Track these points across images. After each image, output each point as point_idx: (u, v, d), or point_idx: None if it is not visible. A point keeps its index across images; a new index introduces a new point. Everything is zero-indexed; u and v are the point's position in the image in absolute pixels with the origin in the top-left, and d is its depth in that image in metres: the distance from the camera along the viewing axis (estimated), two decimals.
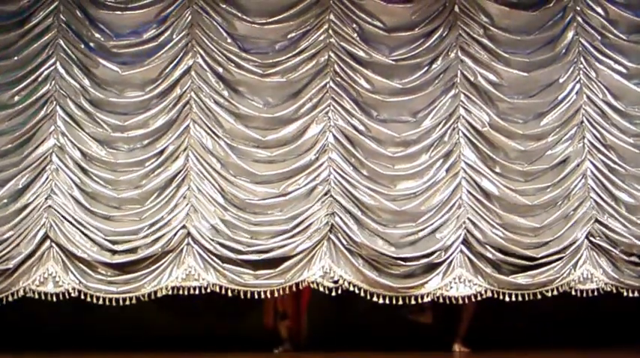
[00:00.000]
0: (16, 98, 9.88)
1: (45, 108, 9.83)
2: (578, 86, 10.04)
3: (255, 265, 9.57)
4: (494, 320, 10.78)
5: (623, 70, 10.09)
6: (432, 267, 9.63)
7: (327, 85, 9.89)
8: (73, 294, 9.60)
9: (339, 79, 9.77)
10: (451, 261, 9.64)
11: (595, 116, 9.99)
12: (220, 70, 9.74)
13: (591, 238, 9.79)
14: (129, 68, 9.78)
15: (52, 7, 9.72)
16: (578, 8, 10.16)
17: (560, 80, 10.04)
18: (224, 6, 9.79)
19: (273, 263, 9.57)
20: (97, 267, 9.61)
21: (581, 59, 10.02)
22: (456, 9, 10.02)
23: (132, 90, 9.84)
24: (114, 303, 9.59)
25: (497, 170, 9.90)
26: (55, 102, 9.83)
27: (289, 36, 9.86)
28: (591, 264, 9.74)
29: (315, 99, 9.91)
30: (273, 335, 10.48)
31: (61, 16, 9.70)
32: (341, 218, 9.66)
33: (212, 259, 9.59)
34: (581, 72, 10.01)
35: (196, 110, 9.83)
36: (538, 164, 9.99)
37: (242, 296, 9.64)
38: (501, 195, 9.81)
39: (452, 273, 9.61)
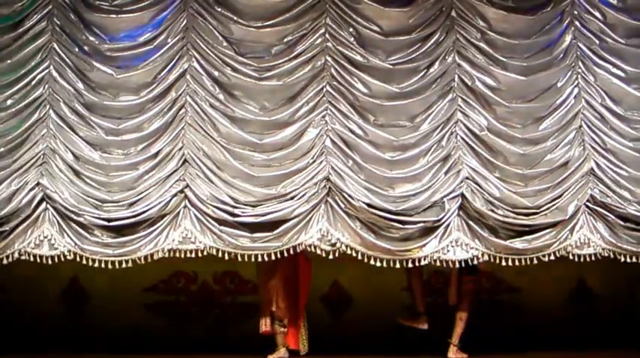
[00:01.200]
0: (9, 101, 9.71)
1: (38, 111, 9.70)
2: (576, 90, 10.00)
3: (252, 228, 9.43)
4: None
5: (622, 74, 9.99)
6: (429, 231, 9.52)
7: (324, 89, 9.77)
8: (68, 257, 9.42)
9: (335, 83, 9.68)
10: (448, 225, 9.54)
11: (594, 120, 9.94)
12: (216, 73, 9.63)
13: (588, 203, 9.71)
14: (123, 72, 9.64)
15: (46, 10, 9.59)
16: (576, 12, 10.04)
17: (559, 84, 9.98)
18: (219, 9, 9.68)
19: (270, 226, 9.42)
20: (92, 230, 9.43)
21: (580, 63, 9.94)
22: (453, 13, 9.89)
23: (126, 94, 9.73)
24: (109, 266, 9.42)
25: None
26: (48, 106, 9.69)
27: (285, 40, 9.74)
28: (588, 229, 9.65)
29: (312, 102, 9.76)
30: (269, 340, 10.48)
31: (55, 20, 9.53)
32: (339, 180, 9.54)
33: (209, 222, 9.43)
34: (579, 76, 9.95)
35: (191, 114, 9.76)
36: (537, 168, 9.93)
37: (239, 259, 9.49)
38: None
39: (449, 237, 9.53)
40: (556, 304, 11.89)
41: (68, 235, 9.41)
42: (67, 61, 9.52)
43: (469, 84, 9.80)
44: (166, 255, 9.52)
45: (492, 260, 9.64)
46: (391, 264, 9.55)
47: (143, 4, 9.59)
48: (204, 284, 11.64)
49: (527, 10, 10.06)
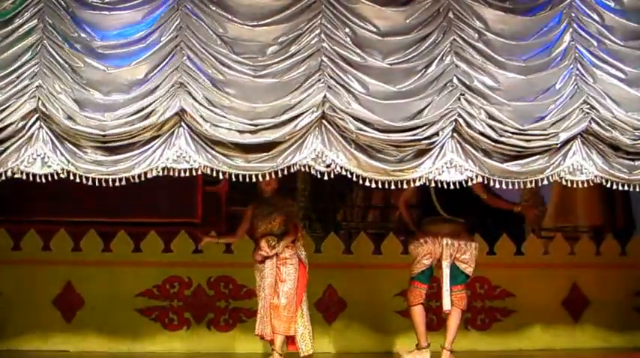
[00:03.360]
0: None
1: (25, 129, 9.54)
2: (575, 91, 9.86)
3: (246, 150, 9.23)
4: None
5: (622, 76, 9.94)
6: (423, 152, 9.39)
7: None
8: (62, 175, 9.14)
9: (332, 81, 9.58)
10: (443, 145, 9.40)
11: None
12: (210, 71, 9.56)
13: (581, 132, 9.59)
14: (115, 69, 9.56)
15: (37, 8, 9.47)
16: (574, 14, 9.79)
17: (557, 86, 9.91)
18: (214, 8, 9.57)
19: (264, 147, 9.23)
20: (86, 149, 9.19)
21: (578, 65, 9.88)
22: (450, 14, 9.79)
23: (117, 92, 9.59)
24: (104, 184, 9.20)
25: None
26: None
27: (280, 40, 9.67)
28: (581, 156, 9.54)
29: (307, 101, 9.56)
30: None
31: (47, 18, 9.40)
32: (335, 102, 9.32)
33: (204, 141, 9.22)
34: (577, 77, 9.86)
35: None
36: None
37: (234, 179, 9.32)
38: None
39: (443, 158, 9.37)
40: (550, 309, 11.89)
41: (62, 153, 9.13)
42: (58, 58, 9.40)
43: (468, 84, 9.73)
44: (160, 174, 9.30)
45: (486, 182, 9.54)
46: (386, 185, 9.43)
47: (136, 1, 9.43)
48: (199, 289, 11.58)
49: (524, 12, 9.85)
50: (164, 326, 11.48)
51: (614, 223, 14.66)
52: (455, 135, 9.44)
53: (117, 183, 9.16)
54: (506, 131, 9.44)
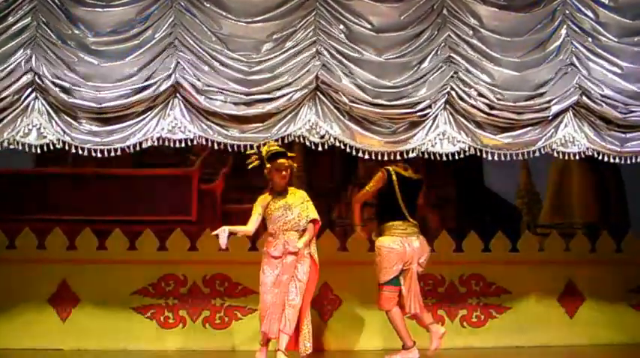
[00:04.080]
0: None
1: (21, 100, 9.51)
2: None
3: (241, 121, 9.36)
4: None
5: (618, 70, 9.93)
6: (416, 124, 9.57)
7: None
8: (57, 146, 9.26)
9: (326, 60, 9.58)
10: (436, 117, 9.55)
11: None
12: (205, 67, 9.54)
13: (573, 105, 9.76)
14: (108, 64, 9.51)
15: (30, 6, 9.45)
16: (568, 12, 9.93)
17: (551, 76, 9.89)
18: (208, 5, 9.57)
19: (259, 118, 9.36)
20: (82, 120, 9.27)
21: (574, 58, 9.86)
22: (445, 11, 9.83)
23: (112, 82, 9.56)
24: (99, 154, 9.29)
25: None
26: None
27: (275, 37, 9.67)
28: (573, 129, 9.72)
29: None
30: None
31: (40, 16, 9.41)
32: (328, 74, 9.45)
33: (199, 112, 9.33)
34: (572, 66, 9.84)
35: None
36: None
37: (229, 149, 9.46)
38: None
39: (436, 130, 9.57)
40: (545, 306, 11.88)
41: (57, 124, 9.23)
42: (51, 54, 9.39)
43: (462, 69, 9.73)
44: (155, 144, 9.41)
45: (479, 154, 9.68)
46: (379, 157, 9.60)
47: None
48: (194, 287, 11.55)
49: (518, 8, 9.93)
50: (159, 324, 11.44)
51: (609, 220, 14.68)
52: (448, 107, 9.61)
53: (112, 154, 9.27)
54: (498, 103, 9.55)
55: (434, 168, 14.85)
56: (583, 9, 9.93)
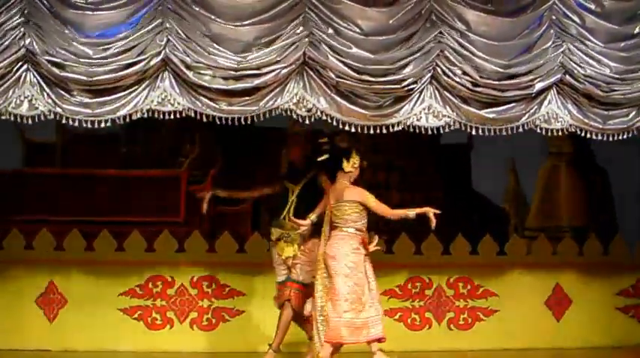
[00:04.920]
0: None
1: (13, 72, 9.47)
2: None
3: (229, 93, 9.43)
4: None
5: (607, 71, 9.98)
6: (402, 98, 9.63)
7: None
8: (49, 117, 9.29)
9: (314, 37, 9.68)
10: (421, 91, 9.63)
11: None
12: (195, 48, 9.57)
13: (556, 82, 9.84)
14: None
15: (18, 7, 9.48)
16: (554, 17, 10.00)
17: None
18: (197, 9, 9.60)
19: (247, 91, 9.43)
20: (73, 91, 9.30)
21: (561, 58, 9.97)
22: (433, 16, 9.88)
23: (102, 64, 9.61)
24: (89, 125, 9.29)
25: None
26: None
27: (263, 40, 9.68)
28: (557, 105, 9.82)
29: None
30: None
31: (30, 18, 9.44)
32: (315, 51, 9.50)
33: (189, 85, 9.38)
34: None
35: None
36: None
37: (217, 122, 9.49)
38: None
39: (422, 104, 9.61)
40: (533, 309, 11.93)
41: (49, 95, 9.25)
42: (44, 35, 9.42)
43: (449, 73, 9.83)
44: (145, 116, 9.46)
45: (463, 129, 9.73)
46: (365, 130, 9.63)
47: (120, 1, 9.43)
48: (182, 288, 11.56)
49: (506, 14, 10.04)
50: (147, 325, 11.44)
51: (596, 223, 14.72)
52: (433, 82, 9.66)
53: (102, 124, 9.32)
54: (481, 81, 9.66)
55: (422, 171, 14.92)
56: (570, 14, 9.96)
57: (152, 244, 11.60)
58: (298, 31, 9.53)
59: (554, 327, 11.94)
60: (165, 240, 11.62)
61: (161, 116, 9.41)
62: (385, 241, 11.62)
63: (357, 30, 9.67)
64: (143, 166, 14.54)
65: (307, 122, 9.55)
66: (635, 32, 10.09)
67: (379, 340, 9.29)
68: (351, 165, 9.59)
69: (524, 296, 11.90)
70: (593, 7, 10.05)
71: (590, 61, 9.89)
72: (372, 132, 9.65)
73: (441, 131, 9.80)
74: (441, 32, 9.70)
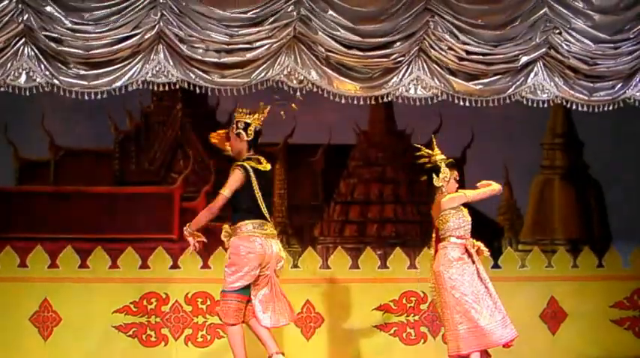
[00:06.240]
0: None
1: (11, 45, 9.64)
2: None
3: (222, 66, 9.74)
4: None
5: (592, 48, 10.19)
6: (391, 70, 9.93)
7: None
8: (46, 89, 9.55)
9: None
10: (409, 63, 9.92)
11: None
12: (189, 22, 9.78)
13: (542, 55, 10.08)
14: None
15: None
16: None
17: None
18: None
19: (239, 64, 9.73)
20: (70, 64, 9.59)
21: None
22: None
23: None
24: (86, 97, 9.59)
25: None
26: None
27: (255, 16, 9.77)
28: (542, 77, 10.08)
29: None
30: None
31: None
32: (305, 27, 9.77)
33: (182, 57, 9.65)
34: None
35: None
36: None
37: (209, 94, 10.08)
38: None
39: (410, 75, 9.92)
40: (528, 322, 11.91)
41: (46, 67, 9.53)
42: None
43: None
44: (140, 87, 9.74)
45: (450, 99, 10.00)
46: (356, 101, 9.96)
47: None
48: (176, 305, 11.57)
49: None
50: (142, 342, 11.45)
51: (590, 235, 14.72)
52: (421, 54, 9.95)
53: (99, 96, 9.63)
54: (468, 57, 9.97)
55: (415, 184, 14.95)
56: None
57: (146, 261, 11.62)
58: (289, 9, 9.81)
59: (550, 341, 11.94)
60: (160, 257, 11.63)
61: (155, 87, 9.81)
62: (379, 255, 11.64)
63: (346, 5, 9.93)
64: (136, 183, 14.51)
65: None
66: (621, 8, 10.35)
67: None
68: (442, 179, 9.58)
69: (518, 310, 11.80)
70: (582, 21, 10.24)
71: (576, 37, 10.15)
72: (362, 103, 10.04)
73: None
74: (428, 7, 9.96)
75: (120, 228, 13.41)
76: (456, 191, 9.61)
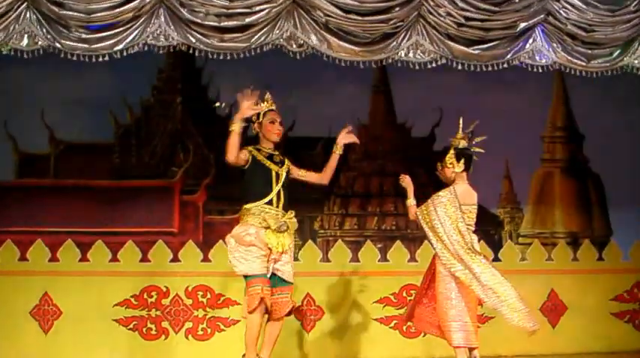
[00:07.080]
0: None
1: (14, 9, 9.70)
2: None
3: (221, 30, 9.84)
4: None
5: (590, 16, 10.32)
6: (390, 34, 10.06)
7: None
8: (48, 51, 9.67)
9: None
10: (409, 28, 10.06)
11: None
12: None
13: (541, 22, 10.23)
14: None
15: None
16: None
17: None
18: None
19: (239, 29, 9.85)
20: (71, 27, 9.68)
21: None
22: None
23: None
24: (87, 59, 9.71)
25: None
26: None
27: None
28: (541, 43, 10.24)
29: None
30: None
31: None
32: None
33: (183, 21, 9.75)
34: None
35: None
36: None
37: (209, 56, 10.01)
38: None
39: (409, 40, 10.07)
40: None
41: (48, 31, 9.62)
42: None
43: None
44: (143, 49, 9.87)
45: (449, 64, 10.19)
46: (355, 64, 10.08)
47: None
48: (177, 298, 11.57)
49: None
50: (142, 335, 11.44)
51: (590, 229, 14.74)
52: (420, 20, 10.07)
53: (100, 59, 9.77)
54: (466, 23, 10.08)
55: (415, 177, 14.89)
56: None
57: (146, 254, 11.60)
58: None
59: (550, 333, 11.93)
60: (160, 250, 11.62)
61: (156, 50, 9.91)
62: (379, 248, 11.65)
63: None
64: (136, 176, 14.51)
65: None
66: None
67: None
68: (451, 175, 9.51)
69: None
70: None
71: (574, 3, 10.25)
72: (361, 66, 10.24)
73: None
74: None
75: (120, 221, 13.44)
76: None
